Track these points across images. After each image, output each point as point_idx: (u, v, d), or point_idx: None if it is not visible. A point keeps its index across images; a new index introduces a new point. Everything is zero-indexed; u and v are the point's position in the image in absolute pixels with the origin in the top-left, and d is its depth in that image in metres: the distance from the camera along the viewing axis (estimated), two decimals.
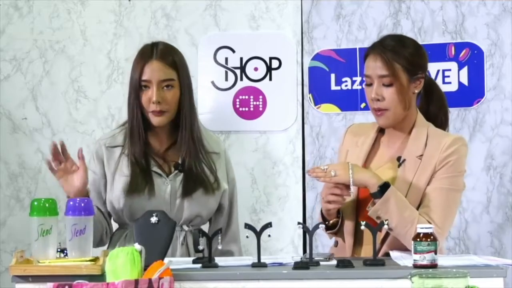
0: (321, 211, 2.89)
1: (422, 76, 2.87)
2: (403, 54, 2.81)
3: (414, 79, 2.84)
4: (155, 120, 2.98)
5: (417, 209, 2.77)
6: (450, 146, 2.82)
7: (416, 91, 2.87)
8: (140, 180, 2.95)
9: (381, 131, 2.97)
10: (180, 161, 3.01)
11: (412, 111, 2.88)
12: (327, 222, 2.87)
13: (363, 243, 2.85)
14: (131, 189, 2.94)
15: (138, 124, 2.99)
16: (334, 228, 2.88)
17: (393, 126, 2.89)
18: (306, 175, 3.90)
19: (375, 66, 2.82)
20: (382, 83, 2.81)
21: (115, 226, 3.10)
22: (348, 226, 2.87)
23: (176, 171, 3.00)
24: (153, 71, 2.98)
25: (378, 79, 2.82)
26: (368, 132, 2.97)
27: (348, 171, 2.73)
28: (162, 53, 3.01)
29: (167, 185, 2.98)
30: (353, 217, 2.86)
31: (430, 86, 2.96)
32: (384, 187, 2.71)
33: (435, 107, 2.98)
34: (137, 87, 2.98)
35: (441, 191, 2.79)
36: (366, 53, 2.88)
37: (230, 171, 3.14)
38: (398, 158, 2.85)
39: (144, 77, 2.97)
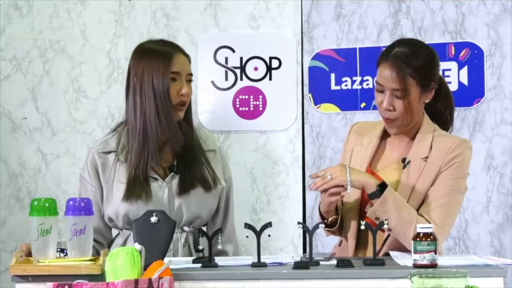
0: (319, 209, 2.88)
1: (434, 87, 2.84)
2: (417, 67, 2.76)
3: (426, 91, 2.81)
4: (180, 114, 2.91)
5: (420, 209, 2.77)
6: (456, 149, 2.82)
7: (427, 100, 2.84)
8: (138, 187, 2.88)
9: (386, 132, 2.96)
10: (175, 162, 2.95)
11: (419, 115, 2.87)
12: (325, 220, 2.87)
13: (368, 243, 2.84)
14: (129, 196, 2.87)
15: (155, 125, 2.87)
16: (333, 226, 2.88)
17: (401, 133, 2.89)
18: (306, 175, 3.91)
19: (389, 78, 2.77)
20: (395, 95, 2.79)
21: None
22: (351, 228, 2.86)
23: (172, 173, 2.94)
24: (182, 63, 2.92)
25: (391, 91, 2.78)
26: (373, 132, 2.95)
27: (345, 172, 2.71)
28: (181, 48, 2.98)
29: (164, 189, 2.92)
30: (356, 219, 2.84)
31: (438, 83, 2.92)
32: (382, 187, 2.71)
33: (441, 105, 2.96)
34: (164, 77, 2.86)
35: (444, 191, 2.79)
36: (379, 59, 2.83)
37: (226, 169, 3.08)
38: (403, 160, 2.85)
39: (174, 69, 2.89)
